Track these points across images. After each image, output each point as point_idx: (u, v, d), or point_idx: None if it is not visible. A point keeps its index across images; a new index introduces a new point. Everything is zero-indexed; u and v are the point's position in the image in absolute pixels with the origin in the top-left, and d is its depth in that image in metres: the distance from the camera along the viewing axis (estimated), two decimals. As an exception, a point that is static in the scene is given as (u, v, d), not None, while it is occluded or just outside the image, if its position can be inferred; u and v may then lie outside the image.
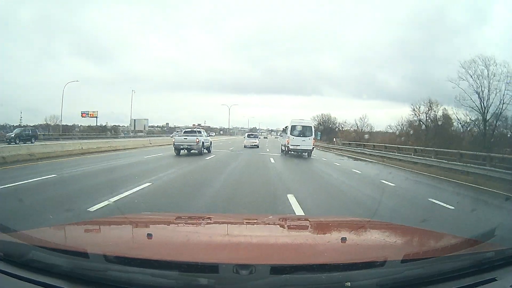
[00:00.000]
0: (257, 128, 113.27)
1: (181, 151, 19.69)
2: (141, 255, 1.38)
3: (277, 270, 1.26)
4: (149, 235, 1.83)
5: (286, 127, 24.56)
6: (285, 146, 23.20)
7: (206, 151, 21.37)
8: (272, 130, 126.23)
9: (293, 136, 21.77)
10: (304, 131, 22.12)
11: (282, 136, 28.16)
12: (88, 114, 59.69)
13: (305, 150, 22.07)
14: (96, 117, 60.87)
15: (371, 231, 2.23)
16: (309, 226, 2.45)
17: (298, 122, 22.81)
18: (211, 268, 1.27)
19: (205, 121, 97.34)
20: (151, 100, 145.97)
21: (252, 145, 31.44)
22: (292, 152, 22.08)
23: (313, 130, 22.85)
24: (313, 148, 22.47)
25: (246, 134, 41.01)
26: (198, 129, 24.09)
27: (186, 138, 20.24)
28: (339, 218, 3.30)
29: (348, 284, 1.24)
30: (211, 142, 23.72)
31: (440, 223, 5.29)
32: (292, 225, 2.46)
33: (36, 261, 1.36)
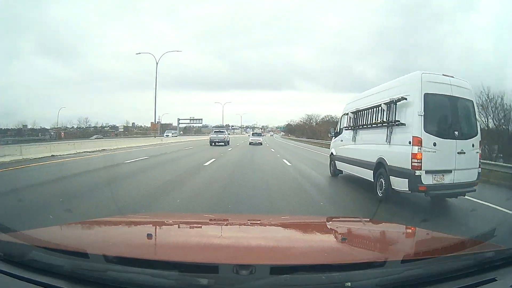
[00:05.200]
0: (230, 125, 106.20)
1: (213, 143, 31.29)
2: (141, 255, 1.38)
3: (277, 270, 1.26)
4: (149, 235, 1.83)
5: (390, 104, 6.98)
6: (369, 166, 7.53)
7: (227, 144, 32.18)
8: (247, 127, 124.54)
9: (434, 139, 6.08)
10: (460, 117, 6.49)
11: (339, 133, 10.79)
12: None
13: (469, 186, 6.38)
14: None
15: (371, 231, 2.23)
16: (309, 226, 2.45)
17: (444, 85, 6.35)
18: (211, 268, 1.27)
19: (159, 117, 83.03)
20: (118, 99, 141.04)
21: (256, 143, 35.91)
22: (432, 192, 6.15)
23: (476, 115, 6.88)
24: (479, 174, 6.56)
25: (251, 133, 49.05)
26: (223, 130, 37.68)
27: (217, 135, 32.79)
28: (339, 219, 3.30)
29: (349, 284, 1.24)
30: (230, 138, 37.06)
31: (441, 224, 5.28)
32: (292, 225, 2.46)
33: (36, 261, 1.36)
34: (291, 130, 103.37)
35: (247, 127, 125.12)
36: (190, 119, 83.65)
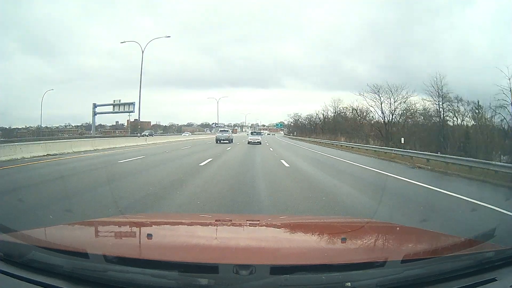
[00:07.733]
0: (216, 123, 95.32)
1: (219, 141, 35.93)
2: (141, 255, 1.38)
3: (277, 270, 1.26)
4: (149, 235, 1.83)
5: None
6: None
7: (231, 142, 36.31)
8: (235, 125, 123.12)
9: None
10: None
11: None
12: None
13: None
14: None
15: (371, 231, 2.23)
16: (309, 226, 2.45)
17: None
18: (211, 269, 1.27)
19: (129, 115, 54.86)
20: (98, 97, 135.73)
21: (255, 142, 35.49)
22: None
23: None
24: None
25: (250, 132, 51.14)
26: (227, 129, 43.85)
27: (223, 134, 38.14)
28: (339, 218, 3.30)
29: (348, 284, 1.24)
30: (233, 136, 41.37)
31: (441, 224, 5.28)
32: (292, 225, 2.46)
33: (36, 261, 1.37)
34: (301, 129, 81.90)
35: (235, 125, 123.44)
36: (114, 104, 48.21)
